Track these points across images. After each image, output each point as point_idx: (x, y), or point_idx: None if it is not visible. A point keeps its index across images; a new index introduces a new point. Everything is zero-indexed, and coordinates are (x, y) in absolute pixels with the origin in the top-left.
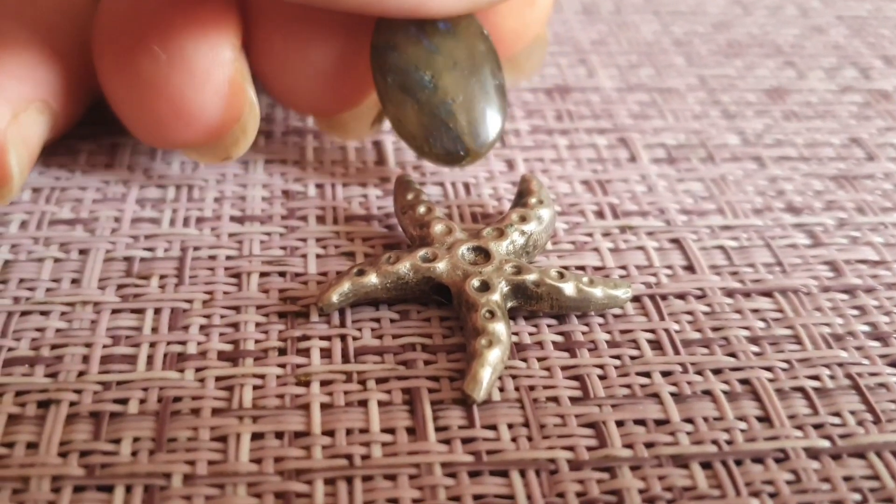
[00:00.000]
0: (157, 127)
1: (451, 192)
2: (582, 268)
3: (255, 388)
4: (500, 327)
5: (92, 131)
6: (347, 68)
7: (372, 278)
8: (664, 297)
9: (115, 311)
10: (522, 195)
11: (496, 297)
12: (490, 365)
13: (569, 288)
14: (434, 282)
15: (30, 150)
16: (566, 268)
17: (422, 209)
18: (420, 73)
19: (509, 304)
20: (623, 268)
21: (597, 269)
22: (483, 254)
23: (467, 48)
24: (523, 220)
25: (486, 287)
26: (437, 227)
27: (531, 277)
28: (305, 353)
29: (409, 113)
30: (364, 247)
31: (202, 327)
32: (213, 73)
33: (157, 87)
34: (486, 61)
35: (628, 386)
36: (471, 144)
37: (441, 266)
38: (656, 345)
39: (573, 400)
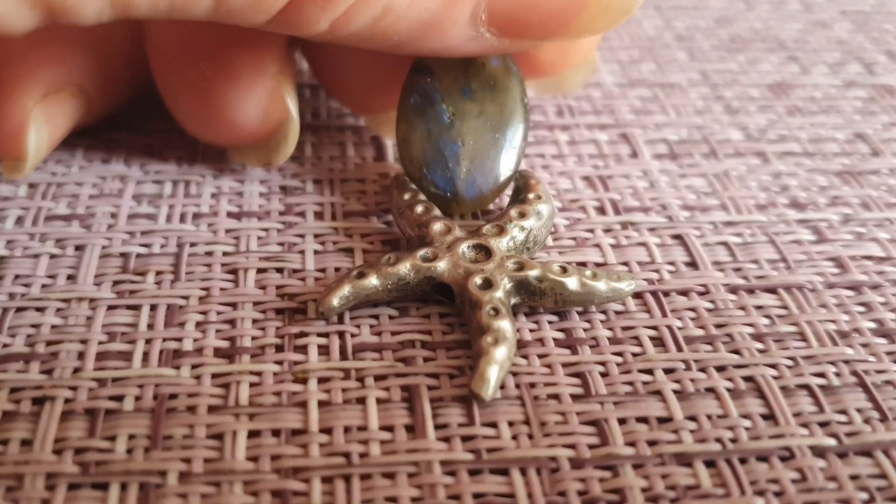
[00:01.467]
0: (204, 129)
1: None
2: (583, 264)
3: (252, 385)
4: (505, 324)
5: (89, 128)
6: (396, 73)
7: (372, 280)
8: (667, 294)
9: (110, 308)
10: (520, 191)
11: (499, 293)
12: (497, 363)
13: (572, 282)
14: (435, 281)
15: (53, 132)
16: (569, 263)
17: (419, 209)
18: (443, 106)
19: (513, 301)
20: (625, 264)
21: (598, 264)
22: (484, 251)
23: (500, 105)
24: (522, 216)
25: (488, 284)
26: (436, 226)
27: (534, 273)
28: (303, 349)
29: (417, 137)
30: (363, 243)
31: (198, 324)
32: (256, 85)
33: (203, 95)
34: (513, 124)
35: (630, 383)
36: (462, 191)
37: (442, 265)
38: (659, 342)
39: (574, 397)
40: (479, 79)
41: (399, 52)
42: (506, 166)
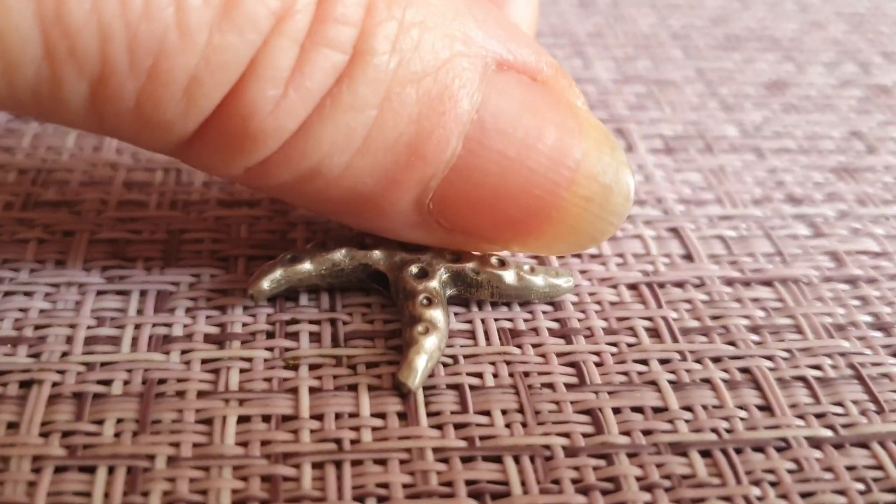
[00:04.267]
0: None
1: None
2: (579, 255)
3: (242, 371)
4: (437, 314)
5: None
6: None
7: (306, 265)
8: (662, 286)
9: (99, 293)
10: None
11: (434, 284)
12: (426, 352)
13: (509, 276)
14: (371, 269)
15: None
16: (508, 256)
17: None
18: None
19: (448, 292)
20: (620, 255)
21: (593, 256)
22: None
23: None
24: None
25: (424, 274)
26: None
27: (470, 265)
28: (294, 336)
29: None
30: (354, 233)
31: (188, 310)
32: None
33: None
34: None
35: (625, 373)
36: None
37: (378, 253)
38: (654, 332)
39: (569, 386)
40: None
41: (340, 221)
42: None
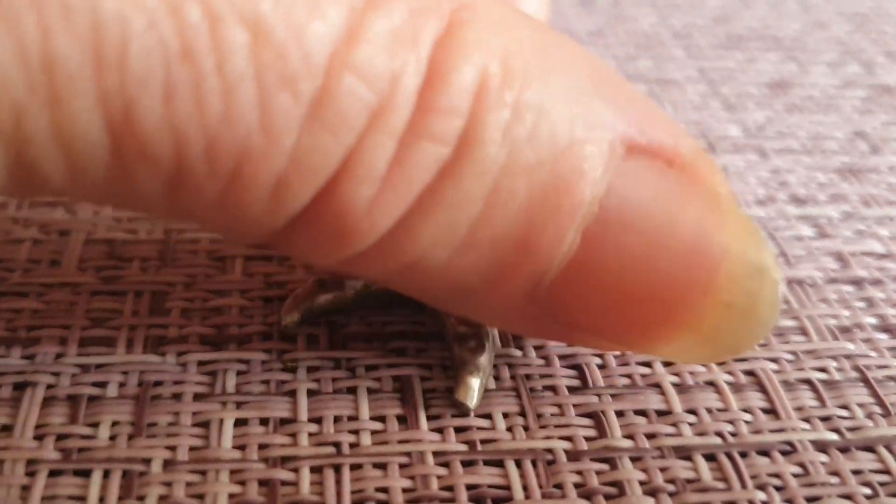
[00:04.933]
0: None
1: None
2: None
3: (240, 373)
4: (483, 330)
5: None
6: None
7: (336, 290)
8: None
9: (94, 294)
10: None
11: None
12: (480, 370)
13: None
14: None
15: None
16: None
17: None
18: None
19: None
20: None
21: None
22: None
23: None
24: None
25: None
26: None
27: None
28: (292, 339)
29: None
30: None
31: (184, 311)
32: None
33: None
34: None
35: (629, 376)
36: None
37: None
38: None
39: (571, 389)
40: None
41: (447, 310)
42: None
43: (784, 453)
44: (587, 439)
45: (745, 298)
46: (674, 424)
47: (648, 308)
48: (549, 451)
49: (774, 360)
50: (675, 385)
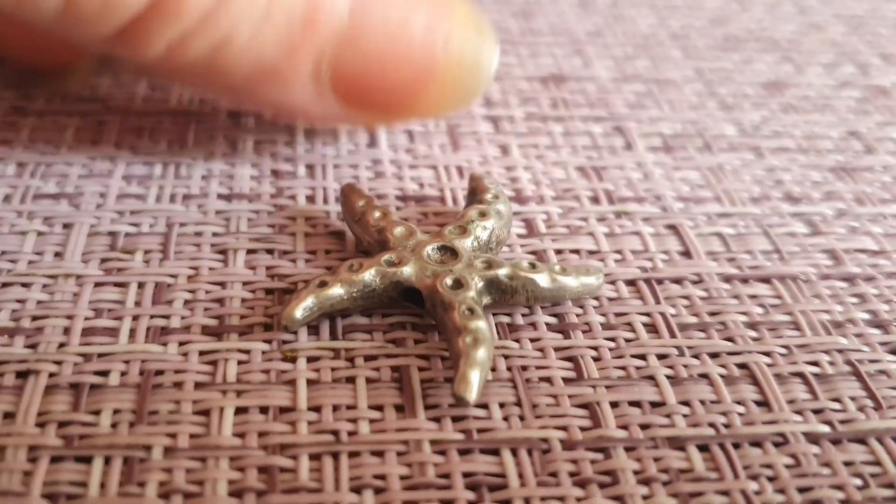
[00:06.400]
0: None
1: (443, 175)
2: (577, 251)
3: (240, 363)
4: (481, 324)
5: (79, 109)
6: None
7: (336, 289)
8: (660, 282)
9: (98, 285)
10: (475, 193)
11: (471, 293)
12: (479, 364)
13: (542, 279)
14: (403, 286)
15: None
16: (536, 260)
17: (376, 214)
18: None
19: (484, 301)
20: (618, 252)
21: (591, 252)
22: (450, 252)
23: None
24: (483, 216)
25: (459, 285)
26: (398, 230)
27: (503, 271)
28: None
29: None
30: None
31: (186, 302)
32: None
33: None
34: None
35: (623, 368)
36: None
37: (408, 269)
38: (652, 328)
39: (566, 381)
40: None
41: (244, 100)
42: None
43: (776, 444)
44: (582, 429)
45: (472, 58)
46: (667, 416)
47: (404, 70)
48: (545, 440)
49: (767, 354)
50: (668, 377)
